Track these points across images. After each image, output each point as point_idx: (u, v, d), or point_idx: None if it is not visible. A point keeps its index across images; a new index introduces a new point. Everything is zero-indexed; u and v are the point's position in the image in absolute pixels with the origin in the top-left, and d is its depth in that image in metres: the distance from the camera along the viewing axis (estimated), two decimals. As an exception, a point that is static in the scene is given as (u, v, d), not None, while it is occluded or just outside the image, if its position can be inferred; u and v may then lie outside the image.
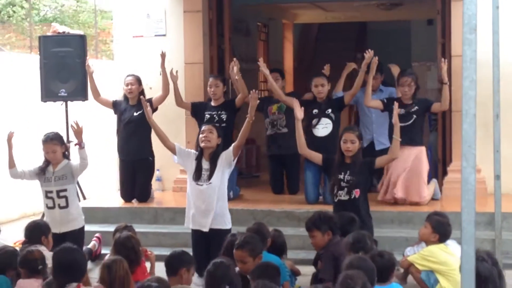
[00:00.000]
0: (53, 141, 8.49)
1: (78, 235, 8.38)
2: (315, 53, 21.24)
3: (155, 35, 11.47)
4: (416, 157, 9.50)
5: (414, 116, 9.51)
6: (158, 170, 10.71)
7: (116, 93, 11.46)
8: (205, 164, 7.93)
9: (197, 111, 10.40)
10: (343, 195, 7.91)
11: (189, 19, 11.29)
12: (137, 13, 11.53)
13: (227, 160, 7.93)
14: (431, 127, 13.56)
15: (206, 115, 10.29)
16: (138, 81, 10.39)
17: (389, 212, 9.25)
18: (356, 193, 7.88)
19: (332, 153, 8.31)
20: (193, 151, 8.19)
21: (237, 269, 6.50)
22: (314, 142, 9.47)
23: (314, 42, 21.62)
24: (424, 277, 7.06)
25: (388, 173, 9.62)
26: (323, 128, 9.89)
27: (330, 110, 9.93)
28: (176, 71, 10.03)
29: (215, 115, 10.25)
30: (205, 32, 11.32)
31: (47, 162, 8.56)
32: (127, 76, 10.44)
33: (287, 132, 10.43)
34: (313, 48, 21.38)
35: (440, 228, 7.11)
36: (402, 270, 7.44)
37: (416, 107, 9.54)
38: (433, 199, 9.78)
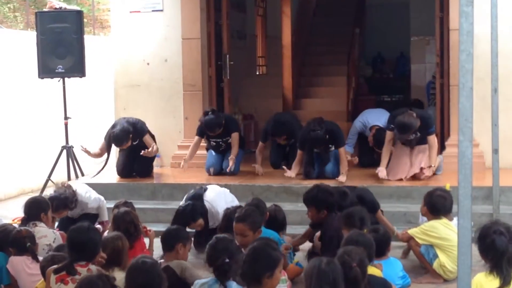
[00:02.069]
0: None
1: (89, 217, 8.37)
2: (313, 28, 21.17)
3: (152, 10, 11.41)
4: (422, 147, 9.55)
5: (415, 142, 9.46)
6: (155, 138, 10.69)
7: (112, 68, 11.46)
8: None
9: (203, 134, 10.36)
10: None
11: (186, -6, 11.22)
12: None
13: None
14: (430, 101, 13.58)
15: (212, 142, 10.32)
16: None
17: (387, 187, 9.25)
18: None
19: None
20: None
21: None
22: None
23: (312, 17, 21.53)
24: (423, 251, 7.06)
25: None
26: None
27: (331, 146, 9.82)
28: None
29: (221, 142, 10.29)
30: (203, 7, 11.26)
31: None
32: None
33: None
34: (311, 23, 21.31)
35: (427, 200, 7.11)
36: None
37: (415, 136, 9.43)
38: (435, 174, 9.77)
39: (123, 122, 10.12)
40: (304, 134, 9.69)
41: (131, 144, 10.10)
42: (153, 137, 10.41)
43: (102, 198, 8.71)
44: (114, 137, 10.05)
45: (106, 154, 10.33)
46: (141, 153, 9.99)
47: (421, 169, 9.45)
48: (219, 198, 8.13)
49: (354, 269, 4.83)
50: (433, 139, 9.43)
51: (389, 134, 9.59)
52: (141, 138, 10.18)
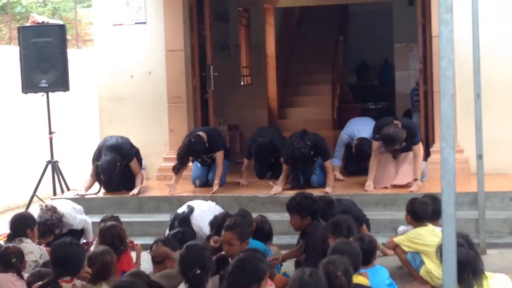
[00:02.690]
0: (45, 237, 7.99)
1: (74, 233, 8.36)
2: (297, 37, 21.22)
3: (135, 23, 11.39)
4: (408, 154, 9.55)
5: (399, 150, 9.46)
6: (142, 158, 10.65)
7: (96, 82, 11.44)
8: None
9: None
10: None
11: (169, 6, 11.21)
12: (116, 1, 11.45)
13: None
14: (414, 108, 13.62)
15: (198, 159, 10.28)
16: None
17: (373, 195, 9.26)
18: None
19: None
20: None
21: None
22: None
23: (296, 26, 21.59)
24: (409, 258, 7.08)
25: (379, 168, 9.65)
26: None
27: (316, 159, 9.82)
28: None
29: (206, 158, 10.23)
30: (185, 18, 11.25)
31: None
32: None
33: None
34: (295, 32, 21.36)
35: (409, 208, 7.13)
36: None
37: (400, 146, 9.43)
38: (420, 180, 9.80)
39: (109, 148, 10.05)
40: (288, 152, 9.66)
41: (120, 170, 10.08)
42: (140, 161, 10.39)
43: (87, 219, 8.68)
44: (102, 171, 10.01)
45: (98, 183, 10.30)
46: (130, 194, 9.99)
47: (407, 183, 9.44)
48: (207, 219, 8.06)
49: (340, 278, 4.82)
50: (418, 149, 9.43)
51: (375, 145, 9.57)
52: (128, 163, 10.16)
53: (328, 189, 9.41)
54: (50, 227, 7.94)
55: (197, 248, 5.55)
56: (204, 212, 8.14)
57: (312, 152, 9.60)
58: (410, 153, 9.46)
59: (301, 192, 7.48)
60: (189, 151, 9.87)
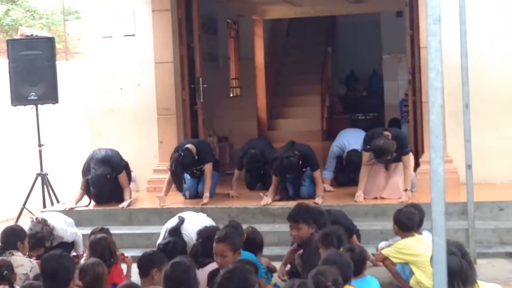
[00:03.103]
0: (35, 250, 7.86)
1: (65, 245, 8.35)
2: (286, 49, 21.27)
3: (124, 35, 11.40)
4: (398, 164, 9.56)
5: (391, 156, 9.46)
6: (132, 170, 10.65)
7: (85, 94, 11.43)
8: None
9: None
10: None
11: (158, 18, 11.23)
12: (105, 14, 11.46)
13: None
14: (403, 118, 13.67)
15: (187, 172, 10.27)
16: None
17: (363, 206, 9.27)
18: None
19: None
20: None
21: (212, 267, 6.51)
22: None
23: (284, 37, 21.64)
24: (399, 269, 7.08)
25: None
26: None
27: (304, 169, 9.84)
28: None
29: (195, 171, 10.24)
30: (174, 30, 11.26)
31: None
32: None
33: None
34: (284, 44, 21.41)
35: (396, 219, 7.14)
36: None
37: (391, 157, 9.44)
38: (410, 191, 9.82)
39: (99, 161, 10.03)
40: (277, 162, 9.67)
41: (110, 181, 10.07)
42: (129, 174, 10.38)
43: (78, 232, 8.66)
44: (93, 185, 10.01)
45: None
46: (119, 207, 9.98)
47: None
48: (197, 228, 8.07)
49: (329, 288, 4.84)
50: (408, 159, 9.44)
51: (365, 155, 9.57)
52: (117, 175, 10.15)
53: (318, 200, 9.41)
54: (40, 239, 7.92)
55: (182, 266, 5.50)
56: (195, 223, 8.13)
57: (300, 162, 9.61)
58: (400, 164, 9.48)
59: (301, 202, 7.47)
60: (181, 166, 9.87)
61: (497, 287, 5.19)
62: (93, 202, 10.29)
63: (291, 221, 7.10)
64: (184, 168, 9.98)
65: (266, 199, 9.59)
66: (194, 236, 7.87)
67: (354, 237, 7.68)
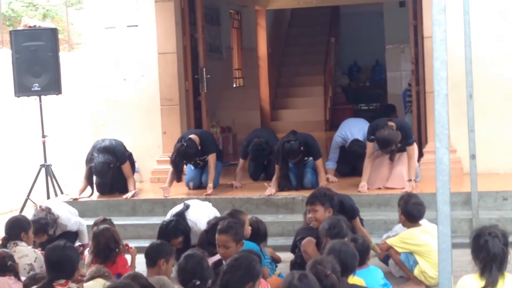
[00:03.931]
0: (38, 235, 7.96)
1: (69, 235, 8.40)
2: (289, 39, 21.25)
3: (127, 26, 11.40)
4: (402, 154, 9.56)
5: (395, 147, 9.45)
6: (135, 161, 10.66)
7: (88, 85, 11.42)
8: None
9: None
10: None
11: (161, 9, 11.22)
12: (108, 4, 11.46)
13: None
14: (406, 109, 13.65)
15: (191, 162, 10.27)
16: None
17: (367, 196, 9.27)
18: None
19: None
20: None
21: (215, 258, 6.53)
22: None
23: (287, 27, 21.61)
24: (403, 259, 7.09)
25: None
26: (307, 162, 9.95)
27: (306, 158, 9.86)
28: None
29: (198, 161, 10.24)
30: (178, 21, 11.26)
31: None
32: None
33: None
34: (287, 34, 21.39)
35: (405, 208, 7.13)
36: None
37: (396, 148, 9.43)
38: (414, 181, 9.83)
39: (102, 150, 10.04)
40: (278, 147, 9.69)
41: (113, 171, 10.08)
42: (133, 164, 10.39)
43: (82, 221, 8.69)
44: (95, 172, 10.02)
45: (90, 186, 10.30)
46: (123, 197, 10.00)
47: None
48: (202, 215, 8.09)
49: (330, 276, 4.85)
50: (412, 150, 9.42)
51: (369, 146, 9.55)
52: (121, 165, 10.16)
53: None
54: (44, 226, 7.96)
55: (195, 258, 5.54)
56: (200, 210, 8.18)
57: (302, 148, 9.62)
58: (404, 154, 9.47)
59: (321, 187, 7.58)
60: (182, 156, 9.88)
61: None
62: (96, 193, 10.31)
63: (308, 204, 7.15)
64: (187, 159, 9.98)
65: (270, 189, 9.59)
66: (197, 221, 7.93)
67: (357, 219, 7.65)
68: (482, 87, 9.69)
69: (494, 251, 4.83)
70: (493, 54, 10.19)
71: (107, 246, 6.75)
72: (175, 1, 11.20)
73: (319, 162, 9.75)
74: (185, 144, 9.84)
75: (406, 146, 9.37)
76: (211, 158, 10.06)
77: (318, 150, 9.84)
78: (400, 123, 9.67)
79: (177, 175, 9.96)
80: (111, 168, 9.98)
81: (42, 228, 7.93)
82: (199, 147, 9.96)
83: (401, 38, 15.20)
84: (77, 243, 8.51)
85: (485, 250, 4.85)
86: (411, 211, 7.09)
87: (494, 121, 10.20)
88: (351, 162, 10.37)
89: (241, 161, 10.58)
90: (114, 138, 10.32)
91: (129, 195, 9.98)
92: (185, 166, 10.23)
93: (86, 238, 8.56)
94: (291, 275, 4.65)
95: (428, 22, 10.04)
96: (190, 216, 8.02)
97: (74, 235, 8.56)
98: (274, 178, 9.80)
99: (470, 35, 7.86)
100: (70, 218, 8.49)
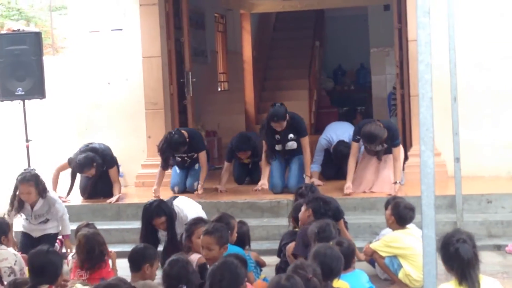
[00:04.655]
0: (29, 182, 8.31)
1: (52, 237, 8.53)
2: (274, 42, 21.26)
3: (112, 30, 11.37)
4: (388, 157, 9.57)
5: (381, 152, 9.48)
6: (119, 165, 10.62)
7: (73, 89, 11.38)
8: None
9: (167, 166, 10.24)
10: None
11: (146, 13, 11.20)
12: (92, 8, 11.43)
13: None
14: (391, 112, 13.68)
15: (177, 158, 10.24)
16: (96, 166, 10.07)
17: (351, 199, 9.27)
18: None
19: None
20: None
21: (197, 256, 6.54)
22: (284, 153, 10.04)
23: (272, 31, 21.63)
24: (387, 262, 7.09)
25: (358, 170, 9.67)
26: (291, 144, 9.95)
27: (292, 135, 9.88)
28: None
29: (186, 158, 10.25)
30: (162, 25, 11.24)
31: (21, 202, 8.42)
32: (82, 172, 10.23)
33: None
34: (271, 38, 21.40)
35: (396, 210, 7.13)
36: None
37: (382, 147, 9.45)
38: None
39: (89, 149, 10.09)
40: (265, 118, 9.93)
41: (96, 173, 10.05)
42: (118, 169, 10.39)
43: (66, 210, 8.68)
44: (76, 166, 10.02)
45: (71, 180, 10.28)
46: (107, 202, 9.99)
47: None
48: (189, 206, 8.21)
49: (312, 280, 4.85)
50: (398, 151, 9.44)
51: (354, 146, 9.57)
52: (108, 169, 10.14)
53: (306, 180, 9.58)
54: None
55: (180, 263, 5.53)
56: (187, 202, 8.36)
57: (287, 117, 9.72)
58: (390, 156, 9.48)
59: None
60: (170, 145, 9.85)
61: (496, 282, 5.16)
62: (81, 198, 10.28)
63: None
64: (174, 148, 9.93)
65: (262, 182, 9.62)
66: (184, 208, 8.01)
67: (342, 222, 7.67)
68: (465, 89, 9.71)
69: (468, 257, 4.75)
70: (477, 57, 10.22)
71: (92, 252, 6.72)
72: (159, 5, 11.19)
73: (305, 140, 9.87)
74: (173, 132, 9.85)
75: (392, 147, 9.38)
76: (202, 156, 10.11)
77: (304, 128, 10.02)
78: (387, 123, 9.69)
79: (164, 162, 9.95)
80: (93, 166, 9.93)
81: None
82: (187, 140, 9.96)
83: (386, 42, 15.23)
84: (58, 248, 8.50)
85: (458, 258, 4.74)
86: (403, 214, 7.09)
87: (479, 124, 10.23)
88: (336, 163, 10.38)
89: (226, 164, 10.56)
90: (103, 143, 10.31)
91: (113, 199, 9.95)
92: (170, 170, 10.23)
93: (69, 229, 8.54)
94: (279, 277, 4.67)
95: (413, 25, 10.06)
96: (177, 203, 8.15)
97: (54, 237, 8.52)
98: (263, 170, 9.85)
99: (454, 38, 7.89)
100: (58, 199, 8.63)
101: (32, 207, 8.43)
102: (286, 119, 9.75)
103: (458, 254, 4.74)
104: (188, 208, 8.17)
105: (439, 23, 8.43)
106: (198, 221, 7.18)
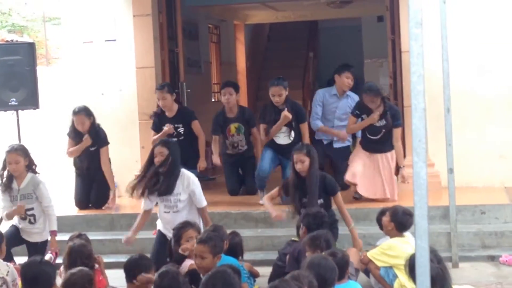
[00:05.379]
0: (17, 152, 8.46)
1: (39, 248, 8.48)
2: (267, 53, 21.29)
3: (105, 41, 11.38)
4: (385, 160, 9.59)
5: (383, 130, 9.51)
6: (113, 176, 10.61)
7: (66, 99, 11.38)
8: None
9: (159, 128, 10.37)
10: None
11: (139, 24, 11.21)
12: (86, 19, 11.43)
13: (189, 191, 7.99)
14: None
15: (164, 128, 10.25)
16: (87, 115, 10.24)
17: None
18: None
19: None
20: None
21: (189, 261, 6.54)
22: (276, 148, 9.99)
23: (266, 42, 21.66)
24: (383, 273, 7.08)
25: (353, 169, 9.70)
26: (285, 136, 9.92)
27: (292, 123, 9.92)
28: None
29: (176, 126, 10.31)
30: (156, 36, 11.25)
31: (10, 177, 8.44)
32: (74, 114, 10.29)
33: (247, 148, 10.59)
34: (265, 48, 21.43)
35: (396, 217, 7.13)
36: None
37: (385, 122, 9.49)
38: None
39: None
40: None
41: (89, 132, 10.18)
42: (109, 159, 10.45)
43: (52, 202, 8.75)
44: (74, 109, 10.24)
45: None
46: (103, 208, 10.12)
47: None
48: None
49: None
50: (399, 133, 9.58)
51: (351, 119, 9.80)
52: (100, 147, 10.23)
53: None
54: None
55: (170, 274, 5.53)
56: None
57: (288, 95, 10.01)
58: (389, 161, 9.58)
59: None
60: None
61: None
62: (74, 208, 10.30)
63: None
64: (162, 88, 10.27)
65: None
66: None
67: (339, 195, 8.07)
68: (458, 100, 9.73)
69: (432, 275, 4.77)
70: (470, 68, 10.25)
71: (76, 264, 6.69)
72: (153, 16, 11.20)
73: (304, 126, 10.02)
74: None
75: (394, 128, 9.49)
76: (195, 125, 10.42)
77: (304, 114, 10.22)
78: (391, 104, 9.84)
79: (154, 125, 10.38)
80: (89, 118, 10.16)
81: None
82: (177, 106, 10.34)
83: (380, 53, 15.25)
84: (47, 256, 8.50)
85: None
86: (403, 220, 7.09)
87: (472, 134, 10.26)
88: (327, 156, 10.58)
89: (213, 137, 10.66)
90: None
91: (110, 205, 10.02)
92: None
93: (55, 224, 8.59)
94: (272, 283, 4.69)
95: (406, 37, 10.09)
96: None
97: (43, 247, 8.55)
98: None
99: (447, 48, 7.91)
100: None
101: (19, 185, 8.48)
102: (286, 91, 9.94)
103: None
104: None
105: (433, 32, 8.46)
106: (185, 224, 7.17)
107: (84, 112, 10.17)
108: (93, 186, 10.34)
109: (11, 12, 21.43)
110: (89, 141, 10.12)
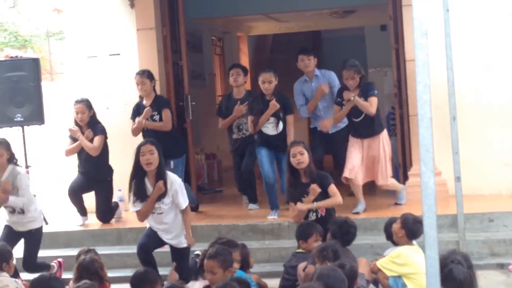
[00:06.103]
0: (1, 145, 8.62)
1: (34, 235, 8.65)
2: (271, 64, 21.28)
3: (110, 55, 11.39)
4: (378, 144, 9.60)
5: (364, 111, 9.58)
6: (119, 190, 10.61)
7: (71, 114, 11.37)
8: (150, 187, 7.99)
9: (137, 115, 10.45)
10: (310, 217, 7.96)
11: (143, 37, 11.24)
12: (90, 33, 11.45)
13: (172, 192, 7.96)
14: (390, 132, 13.65)
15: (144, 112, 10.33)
16: (87, 106, 10.28)
17: (353, 220, 9.22)
18: (322, 211, 7.97)
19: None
20: None
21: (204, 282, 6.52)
22: (265, 139, 10.05)
23: (269, 53, 21.67)
24: (391, 283, 7.05)
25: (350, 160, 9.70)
26: (273, 127, 9.92)
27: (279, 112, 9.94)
28: None
29: (148, 118, 10.31)
30: (159, 49, 11.27)
31: None
32: (76, 103, 10.32)
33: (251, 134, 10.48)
34: (269, 59, 21.44)
35: (407, 224, 7.11)
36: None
37: (362, 98, 9.57)
38: (397, 204, 9.86)
39: None
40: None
41: (87, 123, 10.37)
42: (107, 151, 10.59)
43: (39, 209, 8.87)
44: (77, 100, 10.38)
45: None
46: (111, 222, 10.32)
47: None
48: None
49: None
50: (373, 101, 9.74)
51: (336, 108, 9.97)
52: (95, 135, 10.34)
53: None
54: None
55: None
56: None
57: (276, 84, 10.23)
58: (384, 145, 9.63)
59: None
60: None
61: None
62: (81, 223, 10.30)
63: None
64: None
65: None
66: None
67: (332, 186, 8.09)
68: (464, 108, 9.72)
69: (460, 278, 4.75)
70: (475, 76, 10.24)
71: (90, 279, 6.69)
72: (156, 29, 11.23)
73: (290, 118, 10.01)
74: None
75: (368, 97, 9.66)
76: (165, 114, 10.31)
77: (291, 106, 10.17)
78: (366, 82, 10.14)
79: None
80: (87, 108, 10.34)
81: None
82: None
83: (383, 62, 15.22)
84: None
85: (451, 279, 4.75)
86: (414, 228, 7.07)
87: (478, 142, 10.23)
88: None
89: (220, 120, 10.91)
90: None
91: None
92: None
93: (17, 201, 8.59)
94: None
95: (410, 45, 10.08)
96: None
97: (37, 234, 8.71)
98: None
99: (452, 57, 7.90)
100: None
101: (0, 178, 8.55)
102: (276, 80, 10.22)
103: (451, 275, 4.74)
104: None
105: (436, 41, 8.45)
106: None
107: (85, 103, 10.35)
108: (95, 193, 10.36)
109: (17, 30, 21.52)
110: (90, 134, 10.30)
